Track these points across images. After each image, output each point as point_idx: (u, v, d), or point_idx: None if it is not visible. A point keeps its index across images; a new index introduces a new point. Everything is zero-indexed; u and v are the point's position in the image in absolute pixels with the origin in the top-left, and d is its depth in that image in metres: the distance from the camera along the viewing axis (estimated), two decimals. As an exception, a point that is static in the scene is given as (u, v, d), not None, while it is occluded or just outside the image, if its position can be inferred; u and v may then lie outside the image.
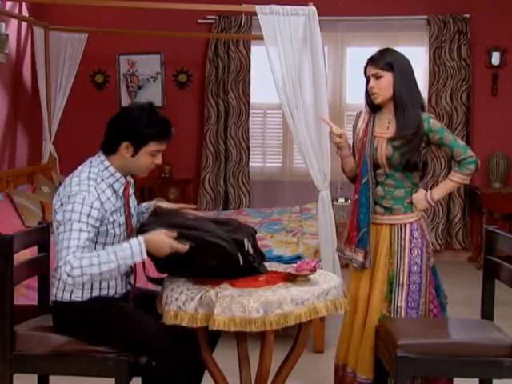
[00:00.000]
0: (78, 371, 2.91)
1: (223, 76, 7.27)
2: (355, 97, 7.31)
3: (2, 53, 6.03)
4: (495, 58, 7.21)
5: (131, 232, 2.97)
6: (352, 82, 7.33)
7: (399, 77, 3.28)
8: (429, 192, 3.36)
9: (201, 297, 2.67)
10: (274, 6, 4.52)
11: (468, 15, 7.11)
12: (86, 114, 7.09)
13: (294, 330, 2.91)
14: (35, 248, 3.24)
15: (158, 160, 2.94)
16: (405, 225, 3.34)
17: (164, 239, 2.71)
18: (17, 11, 6.46)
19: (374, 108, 3.42)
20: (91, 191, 2.77)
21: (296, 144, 5.16)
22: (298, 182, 7.19)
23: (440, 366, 2.94)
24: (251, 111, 7.36)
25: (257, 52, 7.13)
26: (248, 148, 7.34)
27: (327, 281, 2.90)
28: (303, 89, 4.55)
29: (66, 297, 2.87)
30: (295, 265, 2.94)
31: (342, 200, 7.10)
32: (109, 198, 2.85)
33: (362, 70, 3.41)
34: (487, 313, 3.28)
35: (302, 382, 3.92)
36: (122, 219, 2.92)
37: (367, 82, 3.36)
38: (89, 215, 2.73)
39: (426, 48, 7.18)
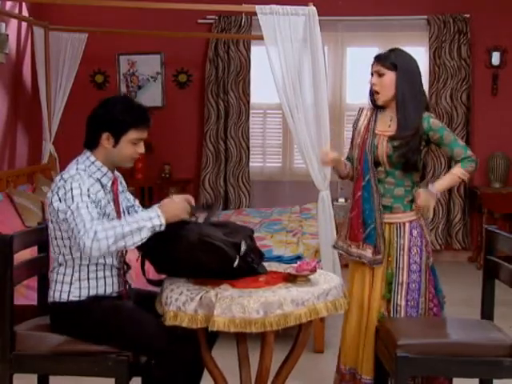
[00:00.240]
0: (77, 371, 2.91)
1: (223, 76, 7.27)
2: (355, 97, 7.32)
3: (2, 53, 6.03)
4: (495, 58, 7.20)
5: None
6: (352, 81, 7.34)
7: (402, 77, 3.28)
8: (430, 186, 3.33)
9: (201, 297, 2.67)
10: (274, 6, 4.52)
11: (468, 15, 7.11)
12: (86, 114, 7.04)
13: (294, 330, 2.91)
14: (35, 248, 3.24)
15: (141, 149, 2.96)
16: (404, 223, 3.34)
17: (181, 203, 2.81)
18: (17, 11, 6.46)
19: (376, 105, 3.42)
20: (84, 179, 2.82)
21: (296, 144, 5.16)
22: (298, 182, 7.19)
23: (440, 366, 2.94)
24: (251, 111, 7.36)
25: (257, 52, 7.12)
26: (248, 148, 7.34)
27: (327, 281, 2.90)
28: (303, 89, 4.54)
29: (64, 297, 2.87)
30: (295, 265, 2.94)
31: (342, 200, 7.10)
32: (98, 191, 2.87)
33: (367, 68, 3.43)
34: (487, 313, 3.28)
35: (302, 382, 3.92)
36: (113, 214, 2.94)
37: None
38: (89, 196, 2.78)
39: (426, 48, 7.17)
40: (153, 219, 2.74)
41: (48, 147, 6.35)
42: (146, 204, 6.94)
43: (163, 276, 2.98)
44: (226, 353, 3.41)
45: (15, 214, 5.17)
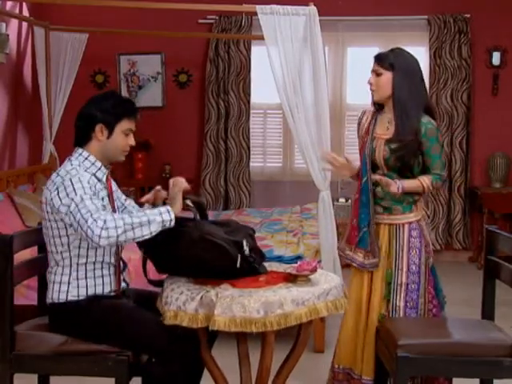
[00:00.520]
0: (77, 371, 2.91)
1: (223, 76, 7.26)
2: (356, 96, 7.32)
3: (3, 53, 6.03)
4: (496, 58, 7.20)
5: None
6: (352, 81, 7.33)
7: (399, 77, 3.27)
8: (401, 181, 3.30)
9: (201, 297, 2.67)
10: (274, 6, 4.51)
11: (468, 15, 7.11)
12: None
13: (294, 329, 2.91)
14: (35, 248, 3.24)
15: (132, 141, 2.99)
16: (403, 225, 3.35)
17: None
18: (17, 11, 6.46)
19: (378, 106, 3.42)
20: (81, 173, 2.84)
21: (296, 144, 5.16)
22: (299, 182, 7.18)
23: (440, 366, 2.94)
24: (252, 111, 7.36)
25: (257, 52, 7.12)
26: (248, 148, 7.34)
27: (328, 281, 2.90)
28: (304, 88, 4.54)
29: (62, 297, 2.87)
30: (296, 265, 2.94)
31: (342, 200, 7.10)
32: (95, 186, 2.88)
33: (368, 68, 3.43)
34: (488, 313, 3.28)
35: (303, 382, 3.92)
36: (109, 209, 2.94)
37: None
38: (90, 188, 2.80)
39: (426, 48, 7.17)
40: (163, 214, 2.75)
41: (48, 147, 6.36)
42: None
43: (164, 276, 2.98)
44: (227, 352, 3.41)
45: (15, 213, 5.17)
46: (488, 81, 7.26)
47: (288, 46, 4.49)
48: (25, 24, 6.63)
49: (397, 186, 3.25)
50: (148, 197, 3.09)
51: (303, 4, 4.56)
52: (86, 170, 2.89)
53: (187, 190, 2.95)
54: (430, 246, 3.40)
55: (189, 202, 2.92)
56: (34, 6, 6.72)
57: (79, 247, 2.87)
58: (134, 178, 7.23)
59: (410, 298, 3.31)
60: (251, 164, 7.38)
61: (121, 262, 3.05)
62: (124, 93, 7.41)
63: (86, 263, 2.89)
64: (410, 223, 3.35)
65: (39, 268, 3.17)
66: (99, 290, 2.91)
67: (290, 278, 2.88)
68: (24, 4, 6.53)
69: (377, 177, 3.29)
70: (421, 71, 3.36)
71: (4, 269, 2.84)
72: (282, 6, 4.52)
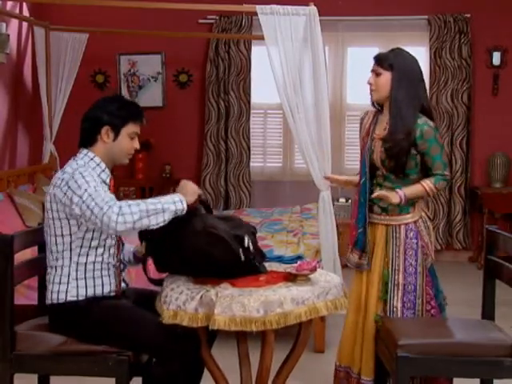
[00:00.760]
0: (78, 371, 2.91)
1: (224, 76, 7.27)
2: (356, 96, 7.32)
3: (3, 53, 6.03)
4: (496, 58, 7.20)
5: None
6: (352, 81, 7.34)
7: (397, 78, 3.27)
8: (402, 189, 3.30)
9: (201, 296, 2.67)
10: (274, 6, 4.52)
11: (469, 15, 7.11)
12: (86, 113, 7.07)
13: (294, 329, 2.91)
14: (36, 248, 3.24)
15: (136, 144, 3.01)
16: (400, 226, 3.35)
17: (194, 185, 2.92)
18: (17, 11, 6.46)
19: (379, 107, 3.42)
20: (89, 170, 2.86)
21: (296, 144, 5.16)
22: (299, 182, 7.19)
23: (440, 366, 2.94)
24: (252, 111, 7.36)
25: (257, 52, 7.13)
26: (249, 148, 7.34)
27: (327, 280, 2.90)
28: (304, 88, 4.55)
29: (62, 297, 2.87)
30: (295, 264, 2.94)
31: (342, 200, 7.10)
32: (101, 183, 2.89)
33: (368, 68, 3.43)
34: (488, 313, 3.28)
35: (303, 382, 3.92)
36: None
37: None
38: (98, 183, 2.82)
39: (426, 48, 7.17)
40: (176, 203, 2.77)
41: (49, 147, 6.36)
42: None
43: (164, 275, 2.98)
44: (227, 352, 3.41)
45: (16, 213, 5.17)
46: (488, 81, 7.26)
47: (288, 46, 4.49)
48: (25, 24, 6.63)
49: (398, 196, 3.25)
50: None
51: (303, 4, 4.56)
52: (91, 170, 2.89)
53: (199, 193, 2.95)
54: (431, 246, 3.38)
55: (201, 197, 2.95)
56: (34, 6, 6.72)
57: (81, 246, 2.87)
58: (134, 177, 7.24)
59: (407, 298, 3.31)
60: (251, 164, 7.38)
61: (120, 264, 3.05)
62: (124, 93, 7.42)
63: (85, 263, 2.89)
64: (407, 224, 3.35)
65: (39, 268, 3.17)
66: (99, 291, 2.91)
67: (290, 278, 2.88)
68: (24, 4, 6.53)
69: (374, 195, 3.30)
70: (420, 72, 3.35)
71: (4, 269, 2.84)
72: (282, 6, 4.52)
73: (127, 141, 2.95)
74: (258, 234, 5.03)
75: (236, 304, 2.61)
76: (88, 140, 2.95)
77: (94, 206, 2.69)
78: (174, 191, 2.89)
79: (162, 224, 2.74)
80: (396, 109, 3.26)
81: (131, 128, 2.95)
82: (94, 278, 2.90)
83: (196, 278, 2.86)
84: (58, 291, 2.88)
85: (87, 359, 2.85)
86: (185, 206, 2.79)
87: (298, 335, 2.98)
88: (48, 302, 2.93)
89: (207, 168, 7.32)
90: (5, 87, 6.29)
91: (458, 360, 2.93)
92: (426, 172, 3.34)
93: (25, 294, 4.28)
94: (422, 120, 3.27)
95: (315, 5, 4.53)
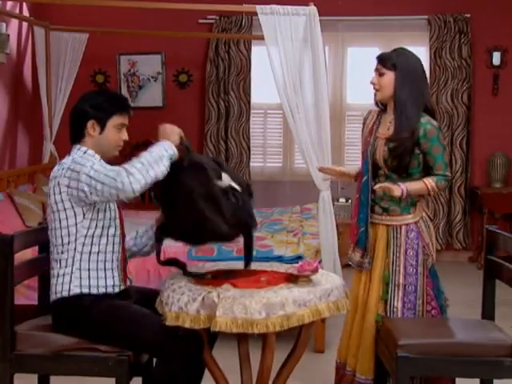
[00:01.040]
0: (78, 371, 2.91)
1: (224, 76, 7.27)
2: (356, 96, 7.33)
3: (3, 53, 6.03)
4: (496, 58, 7.21)
5: (120, 218, 3.03)
6: (352, 81, 7.34)
7: (400, 77, 3.27)
8: (405, 184, 3.27)
9: (203, 298, 2.66)
10: (274, 6, 4.51)
11: (469, 15, 7.11)
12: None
13: (295, 330, 2.90)
14: (36, 248, 3.24)
15: (125, 135, 3.02)
16: (400, 226, 3.34)
17: (174, 127, 3.02)
18: (17, 11, 6.46)
19: (382, 107, 3.42)
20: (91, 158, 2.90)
21: (296, 144, 5.16)
22: (299, 182, 7.19)
23: (440, 366, 2.94)
24: (252, 111, 7.37)
25: (257, 52, 7.13)
26: (249, 148, 7.34)
27: (329, 281, 2.90)
28: (304, 88, 4.54)
29: (65, 289, 2.87)
30: (297, 265, 2.93)
31: (342, 200, 7.10)
32: None
33: (368, 68, 3.44)
34: (488, 313, 3.28)
35: (303, 382, 3.92)
36: (113, 207, 2.97)
37: None
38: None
39: (426, 48, 7.18)
40: (167, 149, 2.84)
41: (49, 147, 6.36)
42: (146, 203, 6.95)
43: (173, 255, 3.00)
44: (227, 353, 3.41)
45: (16, 213, 5.17)
46: (488, 81, 7.26)
47: (288, 46, 4.49)
48: (25, 24, 6.63)
49: (400, 189, 3.24)
50: (158, 217, 3.12)
51: (303, 4, 4.56)
52: None
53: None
54: (432, 247, 3.38)
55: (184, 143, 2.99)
56: (34, 6, 6.72)
57: (85, 236, 2.87)
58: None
59: (407, 299, 3.31)
60: (251, 164, 7.38)
61: (125, 258, 3.06)
62: (124, 93, 7.41)
63: (89, 253, 2.88)
64: (408, 225, 3.34)
65: (39, 268, 3.17)
66: (102, 283, 2.91)
67: (291, 279, 2.88)
68: (24, 4, 6.53)
69: (377, 186, 3.29)
70: (423, 71, 3.36)
71: (4, 269, 2.84)
72: (282, 6, 4.52)
73: (114, 133, 2.96)
74: (259, 234, 5.09)
75: (238, 306, 2.60)
76: (77, 135, 2.96)
77: (104, 177, 2.73)
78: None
79: (165, 171, 2.79)
80: (400, 108, 3.26)
81: (117, 120, 2.96)
82: (97, 269, 2.90)
83: (197, 279, 2.86)
84: (62, 283, 2.87)
85: (87, 359, 2.85)
86: (174, 149, 2.86)
87: (299, 336, 2.98)
88: (52, 297, 2.92)
89: (207, 168, 7.31)
90: (5, 87, 6.29)
91: (458, 360, 2.93)
92: (427, 171, 3.34)
93: (25, 294, 4.28)
94: (426, 119, 3.27)
95: (315, 5, 4.53)
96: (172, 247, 4.40)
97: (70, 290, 2.87)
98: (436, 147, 3.27)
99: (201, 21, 7.27)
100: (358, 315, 3.39)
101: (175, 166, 2.85)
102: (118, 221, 2.99)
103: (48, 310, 3.01)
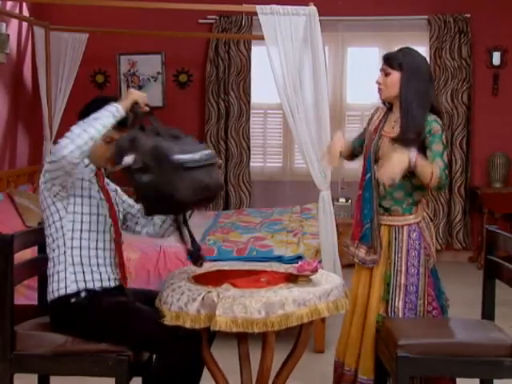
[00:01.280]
0: (78, 371, 2.91)
1: (224, 76, 7.27)
2: (356, 96, 7.33)
3: (3, 53, 6.03)
4: (496, 58, 7.21)
5: (115, 223, 3.03)
6: (352, 81, 7.34)
7: (406, 78, 3.25)
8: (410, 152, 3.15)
9: (203, 298, 2.67)
10: (274, 6, 4.51)
11: (469, 15, 7.11)
12: (86, 113, 7.08)
13: (295, 330, 2.91)
14: (35, 248, 3.24)
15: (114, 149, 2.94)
16: (402, 226, 3.33)
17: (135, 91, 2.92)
18: (17, 11, 6.46)
19: (389, 105, 3.42)
20: None
21: (296, 144, 5.16)
22: (299, 182, 7.19)
23: (440, 366, 2.94)
24: (252, 111, 7.36)
25: (257, 52, 7.13)
26: (249, 148, 7.34)
27: (329, 281, 2.90)
28: (304, 88, 4.54)
29: (62, 287, 2.88)
30: (296, 265, 2.94)
31: (342, 200, 7.11)
32: (83, 179, 2.95)
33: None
34: (488, 313, 3.28)
35: (303, 382, 3.92)
36: (103, 204, 3.00)
37: None
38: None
39: (426, 48, 7.17)
40: (109, 107, 2.77)
41: (49, 147, 6.35)
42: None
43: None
44: (227, 352, 3.41)
45: (16, 213, 5.17)
46: (488, 81, 7.26)
47: (288, 46, 4.49)
48: (25, 24, 6.63)
49: (411, 154, 3.12)
50: None
51: (303, 4, 4.56)
52: None
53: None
54: (432, 247, 3.38)
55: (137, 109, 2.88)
56: (34, 6, 6.72)
57: (72, 230, 2.90)
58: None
59: (408, 299, 3.31)
60: (251, 164, 7.38)
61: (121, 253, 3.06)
62: (124, 93, 7.41)
63: (80, 248, 2.90)
64: (410, 225, 3.33)
65: (39, 268, 3.17)
66: (97, 277, 2.92)
67: (291, 279, 2.88)
68: (24, 4, 6.53)
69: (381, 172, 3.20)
70: (430, 71, 3.35)
71: (4, 269, 2.84)
72: (282, 6, 4.52)
73: (101, 145, 2.91)
74: (259, 234, 5.09)
75: (237, 305, 2.61)
76: None
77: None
78: None
79: (102, 130, 2.73)
80: (406, 108, 3.25)
81: (106, 132, 2.86)
82: (90, 265, 2.91)
83: (196, 278, 2.86)
84: (58, 281, 2.89)
85: (87, 359, 2.85)
86: (118, 105, 2.77)
87: (299, 335, 2.98)
88: (50, 296, 2.93)
89: (207, 168, 7.30)
90: (5, 87, 6.29)
91: (458, 360, 2.93)
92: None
93: (25, 294, 4.28)
94: (433, 117, 3.25)
95: (315, 5, 4.53)
96: (172, 247, 4.42)
97: (66, 287, 2.88)
98: (437, 144, 3.24)
99: (201, 21, 7.27)
100: (358, 315, 3.39)
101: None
102: (107, 217, 3.00)
103: (47, 311, 3.01)
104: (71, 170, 2.76)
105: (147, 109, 2.94)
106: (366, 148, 3.43)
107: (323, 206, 4.57)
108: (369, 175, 3.35)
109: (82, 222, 2.92)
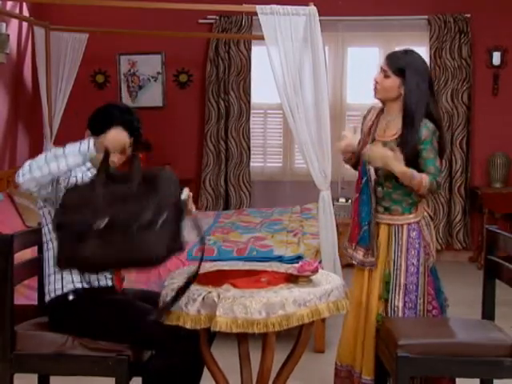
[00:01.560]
0: (78, 371, 2.91)
1: (224, 76, 7.27)
2: (356, 96, 7.33)
3: (3, 53, 6.03)
4: (496, 58, 7.20)
5: None
6: (352, 81, 7.34)
7: (410, 86, 3.22)
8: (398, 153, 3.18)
9: (203, 298, 2.66)
10: (274, 6, 4.51)
11: (469, 15, 7.11)
12: (86, 113, 7.06)
13: (295, 330, 2.91)
14: (35, 248, 3.23)
15: (115, 158, 2.91)
16: (402, 225, 3.34)
17: (122, 132, 2.74)
18: (17, 11, 6.46)
19: (383, 104, 3.41)
20: None
21: (297, 144, 5.16)
22: (299, 182, 7.19)
23: (441, 366, 2.94)
24: (252, 111, 7.36)
25: (257, 52, 7.12)
26: (249, 148, 7.34)
27: (329, 282, 2.90)
28: (304, 88, 4.54)
29: (58, 287, 2.89)
30: (297, 265, 2.93)
31: (342, 200, 7.10)
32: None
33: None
34: (488, 313, 3.27)
35: (303, 382, 3.92)
36: None
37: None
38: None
39: (426, 48, 7.16)
40: (82, 145, 2.69)
41: (49, 147, 6.34)
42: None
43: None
44: (227, 352, 3.41)
45: (16, 213, 5.17)
46: (488, 81, 7.26)
47: (288, 46, 4.49)
48: (25, 24, 6.63)
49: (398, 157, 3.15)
50: None
51: (303, 4, 4.56)
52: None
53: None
54: (432, 247, 3.38)
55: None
56: (34, 6, 6.72)
57: None
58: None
59: (408, 298, 3.31)
60: (251, 164, 7.38)
61: None
62: (124, 93, 7.42)
63: None
64: (409, 224, 3.34)
65: (39, 268, 3.16)
66: (94, 276, 2.92)
67: (292, 279, 2.88)
68: (24, 4, 6.53)
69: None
70: (430, 77, 3.34)
71: (4, 269, 2.84)
72: (282, 6, 4.52)
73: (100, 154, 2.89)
74: (259, 234, 5.09)
75: (238, 306, 2.60)
76: (83, 137, 2.96)
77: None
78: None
79: (62, 169, 2.67)
80: (409, 118, 3.24)
81: None
82: None
83: (197, 279, 2.86)
84: (55, 281, 2.91)
85: (87, 359, 2.85)
86: (91, 144, 2.67)
87: (299, 336, 2.98)
88: (47, 297, 2.93)
89: (207, 168, 7.32)
90: (5, 87, 6.29)
91: (458, 360, 2.93)
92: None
93: (25, 294, 4.28)
94: (423, 123, 3.25)
95: (315, 5, 4.53)
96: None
97: (63, 287, 2.88)
98: (429, 150, 3.23)
99: (201, 21, 7.27)
100: (361, 315, 3.39)
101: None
102: None
103: (46, 311, 3.01)
104: (40, 192, 2.76)
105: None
106: (360, 151, 3.42)
107: (323, 205, 4.57)
108: (365, 178, 3.35)
109: None
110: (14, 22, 6.42)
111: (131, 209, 2.53)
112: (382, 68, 3.33)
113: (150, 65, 7.45)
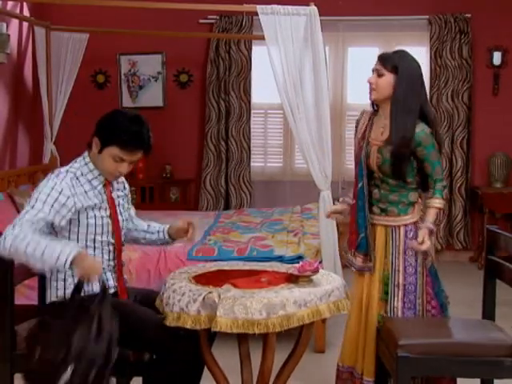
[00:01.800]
0: (78, 371, 2.91)
1: (224, 76, 7.26)
2: (356, 96, 7.32)
3: (4, 53, 6.02)
4: (496, 58, 7.20)
5: (117, 232, 3.00)
6: (353, 81, 7.33)
7: (400, 83, 3.24)
8: (426, 223, 3.29)
9: (203, 298, 2.66)
10: (275, 6, 4.51)
11: (469, 15, 7.11)
12: (87, 113, 7.06)
13: (295, 330, 2.91)
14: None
15: (122, 168, 2.93)
16: (399, 227, 3.34)
17: (99, 263, 2.76)
18: (18, 11, 6.45)
19: (376, 107, 3.41)
20: (65, 180, 2.87)
21: (297, 144, 5.16)
22: (299, 182, 7.18)
23: (441, 366, 2.94)
24: (252, 111, 7.36)
25: (258, 52, 7.12)
26: (249, 148, 7.34)
27: (330, 282, 2.90)
28: (304, 88, 4.54)
29: (60, 294, 2.89)
30: (297, 265, 2.93)
31: (343, 200, 7.09)
32: (86, 192, 2.90)
33: (368, 68, 3.41)
34: (488, 313, 3.28)
35: (303, 382, 3.92)
36: (106, 218, 2.96)
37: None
38: (56, 200, 2.81)
39: (426, 48, 7.17)
40: (59, 259, 2.63)
41: (49, 147, 6.35)
42: (146, 203, 6.95)
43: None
44: (228, 352, 3.41)
45: (16, 214, 5.15)
46: (489, 81, 7.26)
47: (289, 46, 4.49)
48: (25, 24, 6.63)
49: (423, 232, 3.24)
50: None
51: (304, 4, 4.56)
52: (82, 175, 2.93)
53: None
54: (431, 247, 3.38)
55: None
56: (34, 6, 6.72)
57: (68, 239, 2.89)
58: (134, 177, 7.22)
59: (407, 298, 3.31)
60: (252, 164, 7.38)
61: (120, 262, 3.05)
62: (125, 93, 7.42)
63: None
64: (406, 225, 3.34)
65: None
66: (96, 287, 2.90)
67: (292, 279, 2.88)
68: (25, 4, 6.53)
69: (414, 245, 3.27)
70: (422, 76, 3.33)
71: (4, 269, 2.83)
72: (282, 6, 4.52)
73: (109, 161, 2.91)
74: (259, 234, 5.09)
75: (238, 306, 2.61)
76: (89, 143, 2.97)
77: (16, 219, 2.75)
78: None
79: (39, 268, 2.70)
80: (396, 115, 3.24)
81: (115, 151, 2.88)
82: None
83: (198, 279, 2.86)
84: (57, 287, 2.91)
85: (87, 359, 2.85)
86: (67, 264, 2.63)
87: (300, 336, 2.98)
88: (47, 300, 2.94)
89: (208, 168, 7.32)
90: (5, 87, 6.28)
91: (458, 360, 2.93)
92: (423, 177, 3.35)
93: (25, 294, 4.27)
94: (420, 127, 3.24)
95: (315, 5, 4.53)
96: (173, 247, 4.42)
97: (65, 289, 2.90)
98: (432, 153, 3.27)
99: (201, 21, 7.27)
100: (363, 317, 3.39)
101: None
102: (110, 233, 2.98)
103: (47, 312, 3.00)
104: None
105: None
106: (355, 155, 3.42)
107: (324, 205, 4.57)
108: (361, 184, 3.35)
109: (78, 241, 2.90)
110: (15, 22, 6.42)
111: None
112: (375, 68, 3.33)
113: (150, 65, 7.45)
